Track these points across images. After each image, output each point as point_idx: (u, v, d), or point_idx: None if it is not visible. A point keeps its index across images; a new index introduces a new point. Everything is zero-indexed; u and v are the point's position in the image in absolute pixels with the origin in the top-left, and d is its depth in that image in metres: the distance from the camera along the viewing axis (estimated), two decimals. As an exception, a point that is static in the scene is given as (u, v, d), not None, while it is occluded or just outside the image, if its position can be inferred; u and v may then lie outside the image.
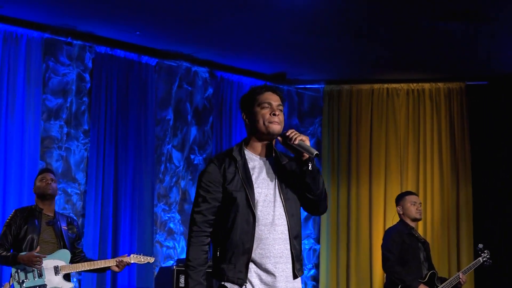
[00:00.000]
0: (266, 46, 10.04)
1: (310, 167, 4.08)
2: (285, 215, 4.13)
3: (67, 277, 7.01)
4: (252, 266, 4.07)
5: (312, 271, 11.12)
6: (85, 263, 7.09)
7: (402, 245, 7.61)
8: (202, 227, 4.14)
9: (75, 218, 7.93)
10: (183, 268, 9.04)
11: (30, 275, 6.79)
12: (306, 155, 4.08)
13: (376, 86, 11.22)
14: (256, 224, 4.07)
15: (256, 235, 4.06)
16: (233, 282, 4.04)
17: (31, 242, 6.90)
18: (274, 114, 4.16)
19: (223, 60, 10.64)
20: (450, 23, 8.96)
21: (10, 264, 6.85)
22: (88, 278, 9.16)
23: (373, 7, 8.69)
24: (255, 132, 4.22)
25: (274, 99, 4.22)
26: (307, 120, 11.47)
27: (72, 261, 7.09)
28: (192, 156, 10.46)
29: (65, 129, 9.34)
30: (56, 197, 8.88)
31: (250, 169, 4.18)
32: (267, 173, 4.18)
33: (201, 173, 4.25)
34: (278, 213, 4.12)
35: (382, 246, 7.77)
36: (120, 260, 7.12)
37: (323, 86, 11.45)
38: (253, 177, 4.16)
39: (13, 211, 7.23)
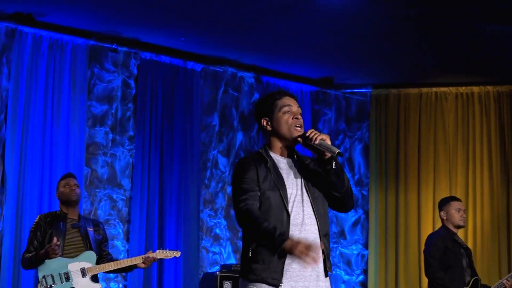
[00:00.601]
0: (313, 50, 9.87)
1: (333, 166, 4.05)
2: (314, 215, 4.12)
3: (94, 279, 6.93)
4: (286, 266, 4.01)
5: (361, 277, 10.89)
6: (112, 262, 6.99)
7: (444, 251, 7.39)
8: (252, 201, 4.04)
9: (100, 221, 7.87)
10: (227, 274, 9.04)
11: (57, 279, 6.73)
12: (328, 154, 4.05)
13: (424, 90, 10.96)
14: (291, 223, 4.06)
15: (291, 235, 4.03)
16: (267, 283, 3.98)
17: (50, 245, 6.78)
18: (297, 119, 4.18)
19: (269, 65, 10.49)
20: (499, 25, 8.71)
21: (35, 263, 6.78)
22: (134, 283, 9.07)
23: (421, 10, 8.47)
24: (278, 136, 4.22)
25: (293, 103, 4.25)
26: (354, 125, 11.26)
27: (99, 262, 7.01)
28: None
29: (110, 135, 9.28)
30: (101, 203, 8.96)
31: (279, 170, 4.16)
32: (294, 174, 4.17)
33: (234, 174, 4.22)
34: (307, 212, 4.11)
35: (424, 251, 7.56)
36: (147, 256, 7.02)
37: (370, 90, 11.21)
38: (284, 177, 4.14)
39: (38, 216, 7.18)
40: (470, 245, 10.10)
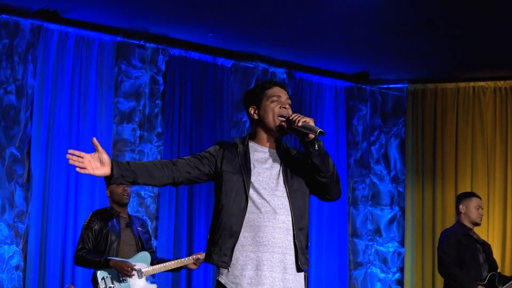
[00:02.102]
0: (347, 45, 9.46)
1: (316, 147, 3.91)
2: (288, 205, 4.00)
3: (149, 279, 6.83)
4: (246, 253, 3.93)
5: (397, 275, 10.44)
6: (165, 264, 6.82)
7: (459, 247, 7.12)
8: (172, 161, 4.04)
9: (146, 219, 7.63)
10: None
11: (116, 281, 6.56)
12: (312, 136, 3.91)
13: (461, 84, 10.45)
14: (252, 211, 3.95)
15: (252, 222, 3.94)
16: (217, 265, 3.96)
17: (113, 245, 6.67)
18: (284, 108, 4.07)
19: (301, 60, 10.09)
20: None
21: (101, 268, 6.58)
22: (162, 281, 8.79)
23: (457, 3, 8.02)
24: (263, 126, 4.10)
25: (283, 93, 4.13)
26: (390, 121, 10.79)
27: (151, 262, 6.86)
28: (269, 158, 9.94)
29: (138, 132, 9.01)
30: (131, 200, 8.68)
31: (252, 158, 4.06)
32: (273, 163, 4.05)
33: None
34: (280, 202, 3.99)
35: (438, 248, 7.26)
36: (197, 257, 6.84)
37: (406, 85, 10.74)
38: (254, 165, 4.04)
39: (91, 213, 6.97)
40: (509, 242, 9.64)
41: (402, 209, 10.54)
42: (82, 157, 3.85)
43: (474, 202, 7.30)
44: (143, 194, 8.95)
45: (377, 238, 10.53)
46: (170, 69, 9.26)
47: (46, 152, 8.34)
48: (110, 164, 3.87)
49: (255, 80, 9.88)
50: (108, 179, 3.88)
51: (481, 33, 8.84)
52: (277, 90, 4.12)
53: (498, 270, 7.31)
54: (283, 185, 4.01)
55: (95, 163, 3.86)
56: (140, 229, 6.94)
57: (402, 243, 10.49)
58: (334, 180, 4.04)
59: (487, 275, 7.10)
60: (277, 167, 4.04)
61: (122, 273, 6.48)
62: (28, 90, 8.34)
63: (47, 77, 8.40)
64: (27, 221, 8.20)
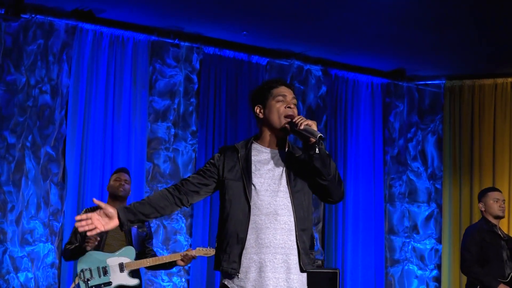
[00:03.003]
0: (383, 42, 9.23)
1: (317, 151, 3.83)
2: (291, 206, 3.93)
3: (132, 274, 6.63)
4: (249, 256, 3.87)
5: (434, 272, 10.20)
6: (150, 258, 6.69)
7: (482, 244, 6.96)
8: (177, 186, 4.05)
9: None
10: None
11: (95, 273, 6.49)
12: (313, 140, 3.84)
13: (499, 80, 10.16)
14: (254, 213, 3.89)
15: (254, 224, 3.89)
16: (227, 272, 3.90)
17: (100, 240, 6.57)
18: (289, 107, 4.00)
19: (337, 58, 9.90)
20: None
21: (76, 255, 6.56)
22: (196, 277, 8.69)
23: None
24: (268, 125, 4.03)
25: (288, 93, 4.06)
26: (427, 117, 10.53)
27: (140, 259, 6.72)
28: (305, 156, 9.76)
29: (173, 131, 8.90)
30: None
31: (254, 160, 4.00)
32: (276, 164, 3.98)
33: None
34: (282, 203, 3.93)
35: (461, 245, 7.12)
36: (185, 254, 6.71)
37: (444, 81, 10.47)
38: (256, 168, 3.98)
39: (83, 210, 6.97)
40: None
41: (440, 206, 10.30)
42: (90, 218, 3.90)
43: (490, 196, 7.16)
44: (178, 193, 8.82)
45: (414, 235, 10.29)
46: (204, 67, 9.14)
47: (81, 151, 8.30)
48: (117, 214, 3.93)
49: (290, 78, 9.72)
50: (120, 226, 3.96)
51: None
52: (283, 90, 4.05)
53: None
54: (286, 186, 3.94)
55: (104, 220, 3.93)
56: (136, 227, 6.82)
57: (439, 240, 10.25)
58: (335, 183, 3.95)
59: (511, 273, 6.95)
60: (280, 168, 3.97)
61: (87, 246, 6.40)
62: (63, 89, 8.30)
63: (81, 77, 8.36)
64: (62, 219, 8.18)
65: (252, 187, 3.93)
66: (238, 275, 3.86)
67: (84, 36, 8.40)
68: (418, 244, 10.27)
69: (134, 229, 6.79)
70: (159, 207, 3.97)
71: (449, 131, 10.36)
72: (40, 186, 8.09)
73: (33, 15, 8.11)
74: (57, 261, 8.09)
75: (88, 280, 6.42)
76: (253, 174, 3.95)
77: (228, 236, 3.90)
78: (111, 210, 3.92)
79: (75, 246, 6.57)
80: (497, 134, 10.09)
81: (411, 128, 10.47)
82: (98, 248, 6.55)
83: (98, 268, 6.50)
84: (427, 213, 10.34)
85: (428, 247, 10.29)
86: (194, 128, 9.04)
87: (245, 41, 9.27)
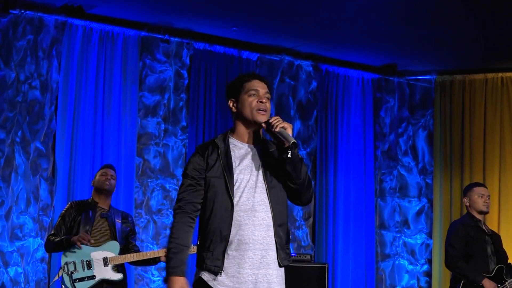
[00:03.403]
0: (374, 37, 9.19)
1: (289, 155, 3.83)
2: (268, 202, 3.91)
3: (115, 269, 6.59)
4: (230, 253, 3.85)
5: (425, 267, 10.15)
6: (134, 254, 6.68)
7: (466, 239, 6.93)
8: (186, 208, 3.92)
9: (130, 214, 7.47)
10: None
11: (79, 266, 6.46)
12: (287, 144, 3.85)
13: (490, 75, 10.11)
14: (235, 210, 3.87)
15: (235, 221, 3.86)
16: (210, 270, 3.85)
17: (84, 233, 6.52)
18: (261, 102, 3.97)
19: (328, 53, 9.84)
20: None
21: (61, 247, 6.51)
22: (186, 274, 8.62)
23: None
24: (241, 119, 4.01)
25: (261, 87, 4.03)
26: (418, 112, 10.49)
27: (123, 253, 6.70)
28: (296, 151, 9.71)
29: (163, 126, 8.87)
30: (154, 193, 8.59)
31: (232, 156, 3.97)
32: (252, 160, 3.96)
33: (187, 162, 4.04)
34: (259, 199, 3.90)
35: (446, 240, 7.08)
36: None
37: (434, 77, 10.42)
38: (236, 164, 3.95)
39: (69, 203, 6.93)
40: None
41: (430, 201, 10.26)
42: None
43: (475, 191, 7.12)
44: (168, 187, 8.83)
45: (405, 230, 10.25)
46: (194, 63, 9.10)
47: (71, 146, 8.27)
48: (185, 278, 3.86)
49: (280, 73, 9.67)
50: None
51: (509, 23, 8.52)
52: (255, 84, 4.02)
53: (509, 261, 7.07)
54: (263, 182, 3.92)
55: None
56: (119, 221, 6.81)
57: (430, 235, 10.21)
58: (304, 187, 3.94)
59: (495, 268, 6.93)
60: (257, 164, 3.95)
61: (78, 241, 6.34)
62: (53, 85, 8.27)
63: (71, 72, 8.32)
64: (51, 214, 8.14)
65: (234, 183, 3.90)
66: (221, 273, 3.83)
67: (73, 31, 8.35)
68: (409, 239, 10.23)
69: (118, 224, 6.77)
70: (189, 244, 3.94)
71: (440, 126, 10.31)
72: (29, 181, 8.05)
73: (22, 11, 8.07)
74: (47, 256, 8.05)
75: (72, 273, 6.40)
76: (234, 170, 3.92)
77: (212, 234, 3.86)
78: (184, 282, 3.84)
79: (60, 239, 6.51)
80: (487, 129, 10.04)
81: (402, 123, 10.42)
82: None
83: (82, 261, 6.47)
84: (418, 208, 10.30)
85: (419, 242, 10.25)
86: (184, 123, 9.00)
87: (236, 37, 9.22)
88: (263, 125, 3.94)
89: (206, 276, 3.85)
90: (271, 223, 3.87)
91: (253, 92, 3.97)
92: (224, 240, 3.84)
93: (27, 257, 7.97)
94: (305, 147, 9.82)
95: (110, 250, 6.57)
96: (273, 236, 3.87)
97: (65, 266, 6.43)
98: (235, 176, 3.91)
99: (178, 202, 3.93)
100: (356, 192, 9.96)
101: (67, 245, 6.47)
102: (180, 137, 8.94)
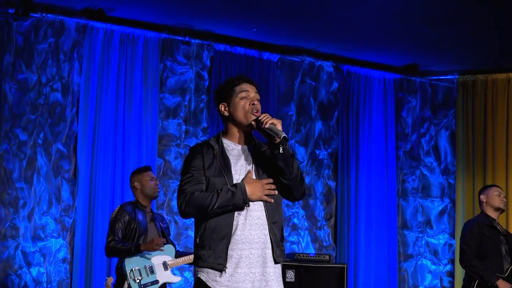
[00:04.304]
0: (396, 37, 9.05)
1: (281, 150, 3.83)
2: (262, 201, 3.92)
3: (175, 272, 6.71)
4: (229, 252, 3.85)
5: (448, 267, 9.97)
6: (188, 256, 6.64)
7: (481, 238, 6.86)
8: (193, 189, 3.89)
9: (164, 215, 7.36)
10: (290, 263, 8.43)
11: (143, 272, 6.42)
12: (278, 139, 3.84)
13: (512, 74, 9.91)
14: None
15: (234, 220, 3.87)
16: (213, 268, 3.84)
17: (140, 237, 6.49)
18: (253, 104, 3.99)
19: (349, 53, 9.71)
20: None
21: (131, 254, 6.41)
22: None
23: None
24: (234, 122, 4.02)
25: (251, 89, 4.05)
26: (440, 112, 10.30)
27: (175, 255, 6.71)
28: (317, 151, 9.60)
29: (184, 127, 8.80)
30: (175, 194, 8.49)
31: (228, 156, 3.98)
32: (245, 160, 3.99)
33: (184, 162, 4.06)
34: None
35: (460, 238, 7.01)
36: None
37: (457, 76, 10.24)
38: (232, 163, 3.97)
39: (119, 206, 6.78)
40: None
41: (453, 201, 10.08)
42: None
43: (493, 190, 7.11)
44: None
45: (428, 230, 10.08)
46: (215, 64, 9.01)
47: (92, 147, 8.22)
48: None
49: (301, 74, 9.56)
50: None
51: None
52: (245, 86, 4.02)
53: None
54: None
55: None
56: (162, 224, 6.77)
57: (453, 235, 10.02)
58: (296, 183, 3.94)
59: (509, 268, 6.85)
60: (250, 164, 3.97)
61: (154, 249, 6.30)
62: (74, 87, 8.23)
63: (92, 75, 8.28)
64: (73, 215, 8.11)
65: (234, 182, 3.90)
66: (225, 270, 3.82)
67: (94, 34, 8.31)
68: (432, 239, 10.05)
69: (162, 226, 6.75)
70: None
71: (462, 126, 10.13)
72: (51, 182, 8.04)
73: (43, 14, 8.05)
74: (69, 256, 8.03)
75: (139, 280, 6.38)
76: (232, 169, 3.93)
77: (213, 232, 3.85)
78: None
79: (129, 247, 6.38)
80: (510, 128, 9.86)
81: (424, 123, 10.26)
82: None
83: (145, 267, 6.44)
84: (440, 208, 10.13)
85: (442, 242, 10.07)
86: (205, 124, 8.92)
87: (256, 38, 9.14)
88: (253, 123, 3.94)
89: (205, 276, 3.85)
90: (266, 222, 3.88)
91: (244, 94, 3.98)
92: (226, 238, 3.83)
93: (49, 257, 7.95)
94: (327, 148, 9.69)
95: (168, 254, 6.57)
96: (268, 234, 3.88)
97: (131, 273, 6.38)
98: (233, 175, 3.91)
99: (181, 194, 3.91)
100: (378, 193, 9.81)
101: (135, 252, 6.41)
102: (201, 138, 8.87)
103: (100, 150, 8.23)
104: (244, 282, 3.82)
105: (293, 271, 8.36)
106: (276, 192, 3.89)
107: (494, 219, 7.00)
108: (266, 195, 3.86)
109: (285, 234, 9.06)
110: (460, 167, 10.04)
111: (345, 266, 8.49)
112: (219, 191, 3.79)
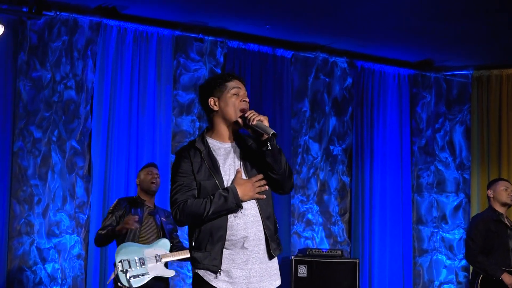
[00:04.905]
0: (410, 33, 8.91)
1: (269, 147, 3.79)
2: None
3: (167, 265, 6.57)
4: (225, 252, 3.80)
5: (463, 262, 9.79)
6: (184, 251, 6.56)
7: (487, 233, 6.79)
8: (185, 197, 3.81)
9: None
10: (302, 258, 8.34)
11: (133, 264, 6.36)
12: (266, 136, 3.79)
13: (527, 69, 9.76)
14: None
15: (228, 221, 3.82)
16: (208, 270, 3.80)
17: (134, 231, 6.46)
18: (244, 101, 3.94)
19: (363, 49, 9.57)
20: None
21: (110, 238, 6.48)
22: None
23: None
24: (223, 118, 3.94)
25: (241, 87, 4.00)
26: (455, 108, 10.16)
27: (172, 250, 6.61)
28: (331, 147, 9.49)
29: (197, 124, 8.74)
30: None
31: (216, 157, 3.91)
32: (233, 158, 3.93)
33: (172, 168, 3.96)
34: None
35: (466, 234, 7.01)
36: None
37: (471, 72, 10.08)
38: (220, 163, 3.90)
39: (116, 200, 6.80)
40: None
41: (468, 196, 9.94)
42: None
43: (500, 183, 7.00)
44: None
45: (443, 225, 9.93)
46: (228, 61, 8.93)
47: (106, 144, 8.19)
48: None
49: (315, 70, 9.45)
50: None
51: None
52: (236, 83, 3.98)
53: None
54: (246, 178, 3.88)
55: None
56: (164, 219, 6.69)
57: (468, 230, 9.84)
58: (285, 177, 3.90)
59: None
60: (238, 162, 3.92)
61: (126, 228, 6.29)
62: (88, 85, 8.20)
63: (106, 72, 8.24)
64: (88, 212, 8.07)
65: (224, 183, 3.85)
66: (220, 272, 3.79)
67: (108, 32, 8.27)
68: (447, 234, 9.91)
69: (164, 222, 6.69)
70: None
71: (477, 121, 9.99)
72: (65, 179, 8.02)
73: (57, 13, 8.02)
74: (84, 252, 8.00)
75: (127, 270, 6.31)
76: (221, 171, 3.88)
77: (207, 235, 3.80)
78: None
79: (108, 230, 6.44)
80: (525, 123, 9.70)
81: (438, 118, 10.11)
82: (134, 239, 6.46)
83: (135, 259, 6.38)
84: (455, 203, 9.99)
85: (457, 237, 9.93)
86: (218, 121, 8.82)
87: (270, 35, 9.03)
88: (239, 120, 3.87)
89: (202, 271, 3.82)
90: (260, 218, 3.84)
91: (235, 91, 3.93)
92: (221, 240, 3.79)
93: (64, 253, 7.92)
94: (341, 143, 9.57)
95: (162, 248, 6.50)
96: (263, 230, 3.84)
97: (120, 264, 6.34)
98: (224, 177, 3.86)
99: (174, 204, 3.83)
100: (392, 188, 9.68)
101: (113, 236, 6.44)
102: (214, 135, 8.78)
103: (114, 147, 8.19)
104: (240, 278, 3.79)
105: (305, 266, 8.28)
106: (267, 187, 3.83)
107: (502, 214, 6.92)
108: (257, 192, 3.80)
109: (299, 230, 9.03)
110: (475, 162, 9.90)
111: (357, 261, 8.39)
112: (212, 197, 3.75)
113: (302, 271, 8.27)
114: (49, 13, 7.94)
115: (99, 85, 8.18)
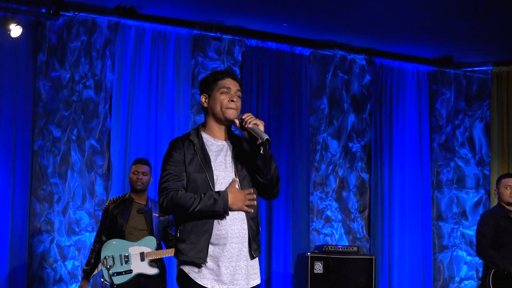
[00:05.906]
0: (429, 29, 8.71)
1: (261, 151, 3.77)
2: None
3: (152, 264, 6.37)
4: (211, 248, 3.76)
5: (483, 259, 9.55)
6: (169, 249, 6.43)
7: (496, 229, 6.72)
8: (175, 186, 3.77)
9: None
10: (318, 255, 8.18)
11: (117, 261, 6.27)
12: (260, 141, 3.77)
13: (547, 64, 9.49)
14: None
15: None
16: (193, 262, 3.75)
17: (119, 229, 6.34)
18: (232, 101, 3.88)
19: (381, 46, 9.37)
20: None
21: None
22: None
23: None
24: (212, 115, 3.93)
25: (233, 85, 3.91)
26: (475, 104, 9.91)
27: (168, 246, 6.52)
28: (350, 144, 9.29)
29: (216, 122, 8.54)
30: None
31: (208, 152, 3.87)
32: (225, 156, 3.88)
33: (164, 156, 3.90)
34: None
35: (476, 230, 6.91)
36: None
37: (491, 68, 9.84)
38: (211, 158, 3.85)
39: (108, 200, 6.72)
40: None
41: (488, 192, 9.70)
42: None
43: (502, 183, 6.92)
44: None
45: (463, 221, 9.70)
46: (247, 59, 8.80)
47: (125, 143, 8.11)
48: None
49: (333, 68, 9.26)
50: None
51: None
52: (228, 82, 3.90)
53: None
54: (236, 177, 3.84)
55: None
56: (156, 215, 6.51)
57: (487, 228, 9.59)
58: (272, 183, 3.90)
59: None
60: (229, 160, 3.88)
61: None
62: (107, 84, 8.13)
63: (125, 71, 8.16)
64: (108, 210, 7.95)
65: (214, 178, 3.80)
66: (206, 264, 3.74)
67: (126, 32, 8.20)
68: (467, 230, 9.66)
69: (155, 218, 6.50)
70: None
71: (497, 117, 9.74)
72: (85, 177, 7.96)
73: (76, 13, 7.96)
74: (103, 250, 7.89)
75: (110, 267, 6.22)
76: (212, 165, 3.83)
77: (194, 227, 3.76)
78: None
79: (85, 270, 6.49)
80: (545, 118, 9.44)
81: (458, 114, 9.87)
82: (120, 236, 6.34)
83: (120, 255, 6.28)
84: (475, 199, 9.74)
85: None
86: (236, 119, 8.69)
87: (288, 33, 8.88)
88: (236, 121, 3.86)
89: (187, 268, 3.77)
90: (245, 217, 3.80)
91: (225, 90, 3.87)
92: (207, 233, 3.75)
93: (83, 251, 7.85)
94: (359, 140, 9.37)
95: (147, 245, 6.34)
96: (247, 229, 3.81)
97: (104, 260, 6.26)
98: (215, 171, 3.81)
99: (163, 191, 3.76)
100: (412, 184, 9.47)
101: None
102: (233, 133, 8.65)
103: (133, 145, 8.11)
104: (225, 275, 3.74)
105: (321, 263, 8.12)
106: (255, 202, 3.80)
107: (510, 210, 6.84)
108: (246, 205, 3.75)
109: (318, 226, 8.86)
110: (495, 158, 9.66)
111: (373, 257, 8.21)
112: (202, 195, 3.70)
113: (318, 267, 8.11)
114: (68, 14, 7.89)
115: (117, 85, 8.12)
